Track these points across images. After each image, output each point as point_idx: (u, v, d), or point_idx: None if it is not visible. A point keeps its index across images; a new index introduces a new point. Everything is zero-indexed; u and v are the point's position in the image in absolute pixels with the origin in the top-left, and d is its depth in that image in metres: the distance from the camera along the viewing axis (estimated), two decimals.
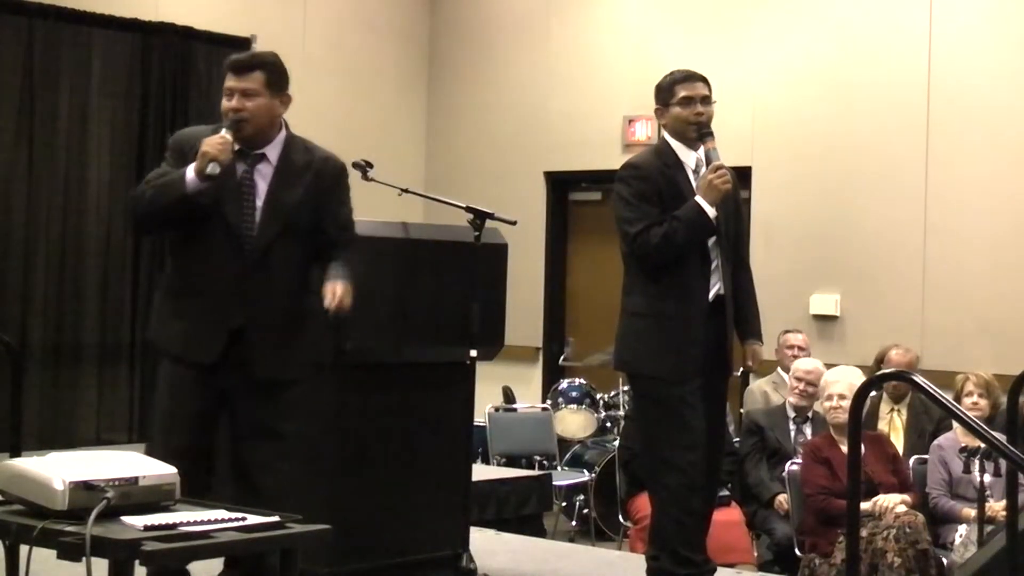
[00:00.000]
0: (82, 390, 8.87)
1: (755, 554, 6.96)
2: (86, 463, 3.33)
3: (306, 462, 4.62)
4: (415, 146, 10.85)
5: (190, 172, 4.25)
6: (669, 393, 4.99)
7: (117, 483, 3.25)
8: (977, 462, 5.89)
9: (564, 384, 9.12)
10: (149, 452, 4.17)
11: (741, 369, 5.66)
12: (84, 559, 3.02)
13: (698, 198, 4.99)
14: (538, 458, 8.60)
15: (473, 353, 5.24)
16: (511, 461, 8.48)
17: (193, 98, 9.08)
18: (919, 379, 4.15)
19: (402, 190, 5.62)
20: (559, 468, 8.45)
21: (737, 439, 7.39)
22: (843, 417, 6.05)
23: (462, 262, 5.36)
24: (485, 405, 8.42)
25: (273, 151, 4.43)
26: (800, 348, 8.07)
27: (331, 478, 5.19)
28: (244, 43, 9.38)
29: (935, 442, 6.60)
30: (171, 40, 9.15)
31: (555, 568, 6.03)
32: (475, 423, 5.79)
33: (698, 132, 5.08)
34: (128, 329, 8.89)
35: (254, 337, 4.34)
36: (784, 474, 6.66)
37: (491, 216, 5.33)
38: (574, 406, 8.86)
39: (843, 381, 6.29)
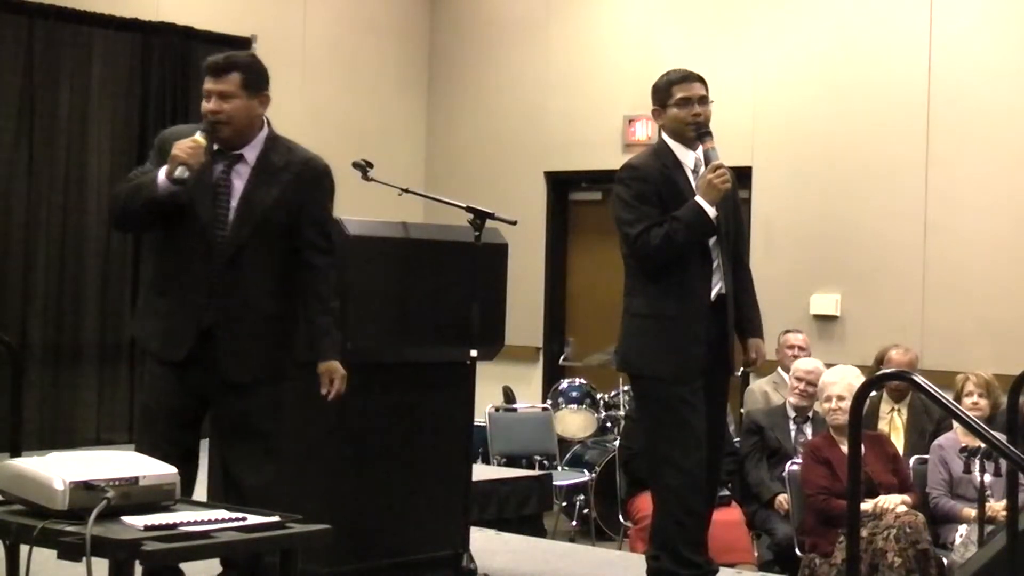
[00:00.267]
0: (82, 390, 8.88)
1: (755, 554, 6.95)
2: (86, 463, 3.33)
3: (287, 460, 4.62)
4: (415, 146, 10.85)
5: (161, 175, 4.29)
6: (670, 393, 4.99)
7: (117, 483, 3.25)
8: (977, 462, 5.88)
9: (564, 384, 9.12)
10: (137, 449, 4.21)
11: (742, 369, 5.68)
12: (84, 559, 3.02)
13: (698, 198, 4.98)
14: (538, 458, 8.60)
15: (473, 353, 5.24)
16: (511, 461, 8.47)
17: (193, 98, 9.06)
18: (919, 379, 4.14)
19: (402, 190, 5.62)
20: (559, 468, 8.44)
21: (737, 439, 7.39)
22: (842, 419, 6.05)
23: (462, 262, 5.35)
24: (485, 405, 8.41)
25: (252, 151, 4.44)
26: (800, 348, 8.06)
27: (331, 478, 5.18)
28: (244, 43, 9.39)
29: (935, 442, 6.60)
30: (171, 40, 9.15)
31: (555, 568, 6.03)
32: (475, 423, 5.78)
33: (697, 132, 5.08)
34: (128, 329, 8.89)
35: (223, 337, 4.36)
36: (784, 474, 6.66)
37: (491, 216, 5.33)
38: (574, 406, 8.86)
39: (841, 382, 6.28)
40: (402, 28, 10.83)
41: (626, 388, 8.44)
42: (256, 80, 4.45)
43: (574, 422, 8.81)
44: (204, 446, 4.61)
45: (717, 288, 5.08)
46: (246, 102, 4.40)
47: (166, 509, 3.34)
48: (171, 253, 4.44)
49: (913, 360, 7.53)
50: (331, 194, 4.58)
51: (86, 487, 3.20)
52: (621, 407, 8.63)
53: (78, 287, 8.83)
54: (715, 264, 5.08)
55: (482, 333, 5.26)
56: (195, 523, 3.22)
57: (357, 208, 5.94)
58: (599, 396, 8.90)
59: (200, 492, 4.41)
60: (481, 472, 7.21)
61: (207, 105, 4.39)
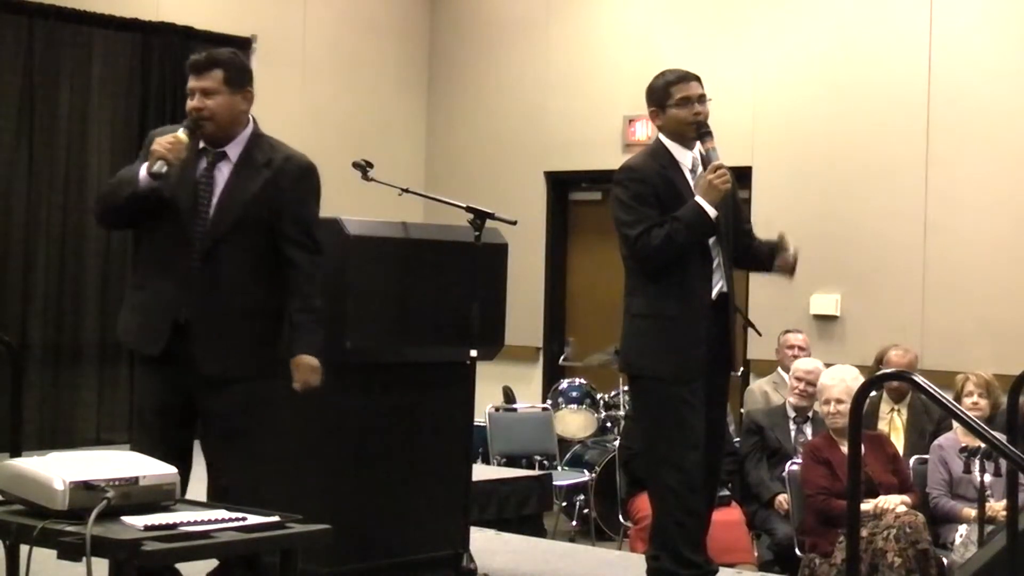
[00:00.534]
0: (82, 390, 8.88)
1: (755, 554, 6.96)
2: (86, 463, 3.33)
3: (286, 460, 4.62)
4: (415, 146, 10.86)
5: (142, 170, 4.32)
6: (670, 393, 4.99)
7: (117, 483, 3.25)
8: (977, 462, 5.88)
9: (564, 384, 9.12)
10: (131, 448, 4.24)
11: (742, 369, 5.70)
12: (84, 559, 3.02)
13: (698, 198, 4.98)
14: (538, 458, 8.60)
15: (473, 353, 5.24)
16: (511, 461, 8.47)
17: None
18: (919, 379, 4.15)
19: (402, 190, 5.62)
20: (559, 468, 8.44)
21: (737, 439, 7.40)
22: (841, 422, 6.05)
23: (462, 262, 5.35)
24: (485, 405, 8.41)
25: (235, 148, 4.47)
26: (800, 348, 8.07)
27: (331, 478, 5.18)
28: (244, 43, 9.40)
29: (935, 442, 6.60)
30: (171, 40, 9.16)
31: (555, 568, 6.03)
32: (475, 423, 5.78)
33: (698, 132, 5.07)
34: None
35: (199, 332, 4.36)
36: (784, 474, 6.66)
37: (491, 216, 5.33)
38: (574, 406, 8.86)
39: (840, 385, 6.27)
40: (402, 28, 10.83)
41: (626, 388, 8.44)
42: (238, 76, 4.47)
43: (574, 422, 8.81)
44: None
45: (718, 287, 5.08)
46: (228, 98, 4.43)
47: (166, 509, 3.34)
48: (151, 248, 4.49)
49: (912, 360, 7.53)
50: (315, 192, 4.55)
51: (86, 487, 3.20)
52: (621, 407, 8.63)
53: (78, 287, 8.84)
54: (715, 263, 5.07)
55: (482, 333, 5.26)
56: (195, 523, 3.23)
57: (357, 208, 5.94)
58: (599, 396, 8.90)
59: (200, 492, 4.40)
60: (481, 472, 7.21)
61: (190, 102, 4.44)
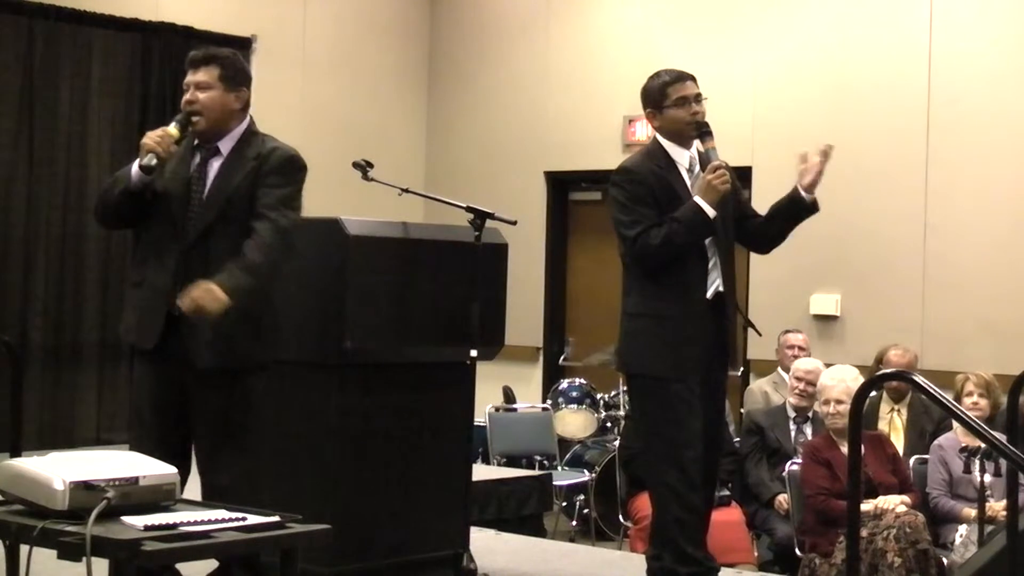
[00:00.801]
0: (82, 390, 8.87)
1: (755, 554, 6.96)
2: (86, 463, 3.33)
3: (271, 458, 4.62)
4: (415, 146, 10.86)
5: (135, 166, 4.36)
6: (668, 391, 4.99)
7: (117, 483, 3.25)
8: (977, 462, 5.89)
9: (564, 384, 9.12)
10: (130, 447, 4.24)
11: (742, 369, 5.70)
12: (84, 559, 3.02)
13: (697, 199, 4.98)
14: (538, 458, 8.60)
15: (473, 353, 5.24)
16: (511, 461, 8.48)
17: None
18: (919, 379, 4.15)
19: (402, 190, 5.62)
20: (559, 468, 8.45)
21: (737, 439, 7.40)
22: (841, 423, 6.06)
23: (462, 262, 5.35)
24: (485, 405, 8.42)
25: (227, 144, 4.50)
26: (800, 348, 8.07)
27: (331, 478, 5.18)
28: (244, 43, 9.39)
29: (935, 442, 6.60)
30: (171, 40, 9.15)
31: (555, 568, 6.03)
32: (475, 423, 5.78)
33: (698, 131, 5.07)
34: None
35: (191, 324, 4.36)
36: (784, 474, 6.66)
37: (491, 216, 5.33)
38: (574, 406, 8.86)
39: (839, 386, 6.27)
40: (402, 28, 10.83)
41: (626, 388, 8.44)
42: (234, 75, 4.51)
43: (574, 422, 8.81)
44: None
45: (714, 287, 5.08)
46: (221, 95, 4.47)
47: (166, 509, 3.34)
48: (146, 245, 4.53)
49: (912, 360, 7.53)
50: (291, 176, 4.50)
51: (86, 487, 3.21)
52: (621, 407, 8.64)
53: (78, 287, 8.83)
54: (711, 263, 5.08)
55: (482, 333, 5.26)
56: (195, 523, 3.23)
57: (357, 208, 5.95)
58: (599, 396, 8.90)
59: (198, 492, 4.41)
60: (481, 472, 7.21)
61: (184, 96, 4.50)
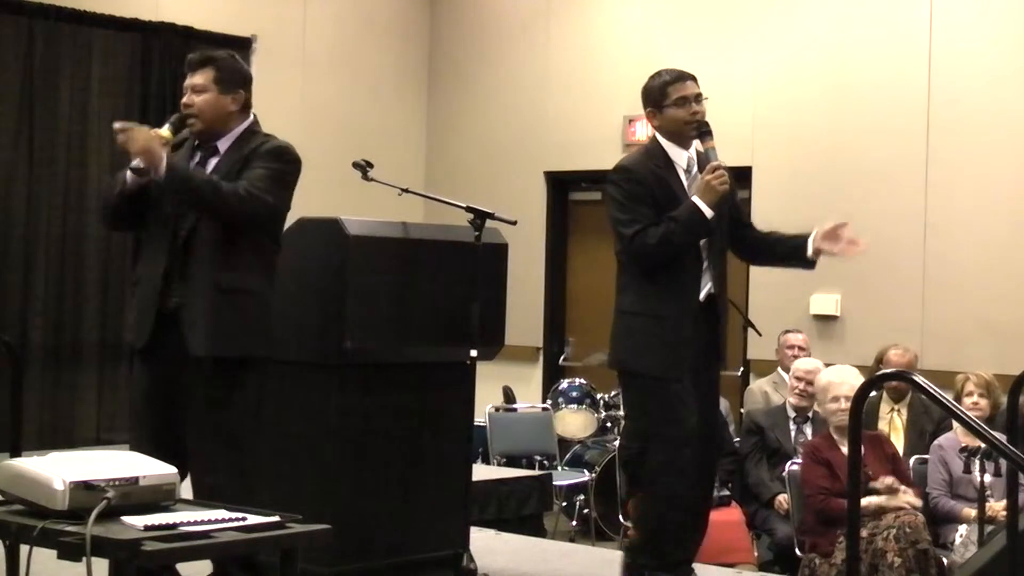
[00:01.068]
0: (82, 390, 8.87)
1: (755, 554, 6.96)
2: (86, 463, 3.33)
3: (260, 456, 4.61)
4: (415, 146, 10.86)
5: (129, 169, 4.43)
6: (661, 389, 5.00)
7: (117, 483, 3.25)
8: (977, 462, 5.89)
9: (564, 384, 9.12)
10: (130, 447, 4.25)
11: (742, 369, 5.68)
12: (84, 559, 3.02)
13: (695, 199, 4.98)
14: (538, 458, 8.60)
15: (473, 353, 5.24)
16: (511, 461, 8.48)
17: None
18: (919, 379, 4.15)
19: (402, 190, 5.62)
20: (559, 468, 8.45)
21: (737, 439, 7.40)
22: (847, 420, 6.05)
23: (462, 262, 5.35)
24: (485, 405, 8.42)
25: (225, 143, 4.53)
26: (800, 348, 8.07)
27: (331, 478, 5.18)
28: (244, 43, 9.40)
29: (935, 442, 6.60)
30: (171, 40, 9.15)
31: (555, 568, 6.03)
32: (475, 423, 5.78)
33: (698, 131, 5.08)
34: (128, 329, 8.89)
35: (183, 316, 4.40)
36: (784, 474, 6.66)
37: (491, 216, 5.33)
38: (574, 406, 8.86)
39: (848, 383, 6.27)
40: (402, 28, 10.83)
41: (621, 386, 8.44)
42: (230, 77, 4.54)
43: (574, 422, 8.81)
44: None
45: (707, 288, 5.09)
46: (217, 97, 4.50)
47: (166, 509, 3.34)
48: (143, 246, 4.59)
49: (912, 360, 7.53)
50: (277, 161, 4.48)
51: (86, 487, 3.20)
52: (621, 407, 8.63)
53: (78, 287, 8.83)
54: (705, 265, 5.09)
55: (482, 333, 5.26)
56: (195, 523, 3.22)
57: (357, 208, 5.95)
58: (599, 396, 8.90)
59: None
60: (481, 472, 7.21)
61: (182, 100, 4.55)
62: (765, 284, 9.03)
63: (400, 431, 5.37)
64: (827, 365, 6.90)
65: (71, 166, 8.78)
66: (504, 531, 6.77)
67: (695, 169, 5.10)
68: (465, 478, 5.40)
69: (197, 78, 4.52)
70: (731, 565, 6.23)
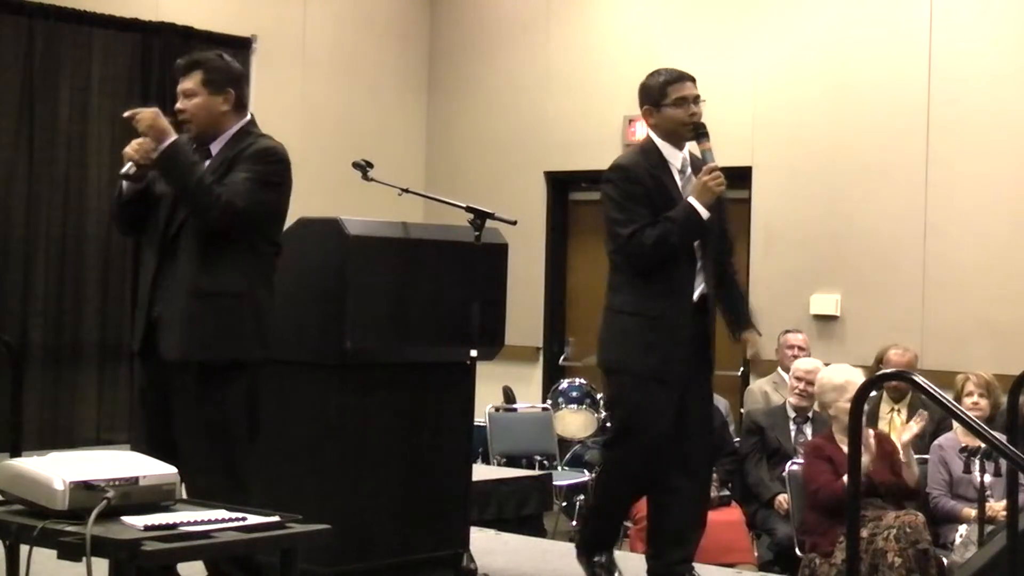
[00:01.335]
0: (82, 390, 8.87)
1: (755, 554, 6.96)
2: (86, 463, 3.33)
3: (260, 456, 4.61)
4: (415, 146, 10.85)
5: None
6: (648, 388, 5.01)
7: (117, 483, 3.25)
8: (977, 462, 5.90)
9: (564, 384, 9.11)
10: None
11: (742, 369, 5.69)
12: (84, 559, 3.02)
13: (692, 200, 4.99)
14: (538, 458, 8.60)
15: (473, 353, 5.24)
16: (511, 461, 8.48)
17: None
18: (919, 379, 4.15)
19: (402, 190, 5.62)
20: (559, 468, 8.45)
21: (737, 439, 7.40)
22: None
23: (462, 262, 5.36)
24: (485, 405, 8.41)
25: (217, 146, 4.53)
26: (800, 348, 8.07)
27: (331, 478, 5.18)
28: (244, 43, 9.40)
29: (935, 442, 6.60)
30: (171, 40, 9.14)
31: (555, 568, 6.03)
32: (475, 423, 5.78)
33: (695, 132, 5.08)
34: (128, 329, 8.88)
35: (162, 320, 4.41)
36: (784, 474, 6.66)
37: (491, 216, 5.33)
38: (574, 406, 8.86)
39: (856, 381, 6.27)
40: (402, 28, 10.83)
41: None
42: (218, 78, 4.54)
43: (574, 422, 8.81)
44: None
45: (700, 289, 5.10)
46: (207, 99, 4.51)
47: (166, 509, 3.34)
48: (142, 251, 4.68)
49: (912, 360, 7.53)
50: (260, 163, 4.45)
51: (86, 487, 3.20)
52: None
53: (78, 287, 8.83)
54: (699, 265, 5.09)
55: (482, 333, 5.26)
56: (195, 523, 3.22)
57: (357, 208, 5.95)
58: (599, 396, 8.89)
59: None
60: (481, 472, 7.21)
61: (176, 105, 4.58)
62: (765, 284, 9.03)
63: (400, 431, 5.37)
64: (827, 365, 6.90)
65: (71, 166, 8.78)
66: (504, 531, 6.77)
67: (689, 170, 5.11)
68: (465, 478, 5.40)
69: (187, 83, 4.54)
70: (731, 565, 6.23)
